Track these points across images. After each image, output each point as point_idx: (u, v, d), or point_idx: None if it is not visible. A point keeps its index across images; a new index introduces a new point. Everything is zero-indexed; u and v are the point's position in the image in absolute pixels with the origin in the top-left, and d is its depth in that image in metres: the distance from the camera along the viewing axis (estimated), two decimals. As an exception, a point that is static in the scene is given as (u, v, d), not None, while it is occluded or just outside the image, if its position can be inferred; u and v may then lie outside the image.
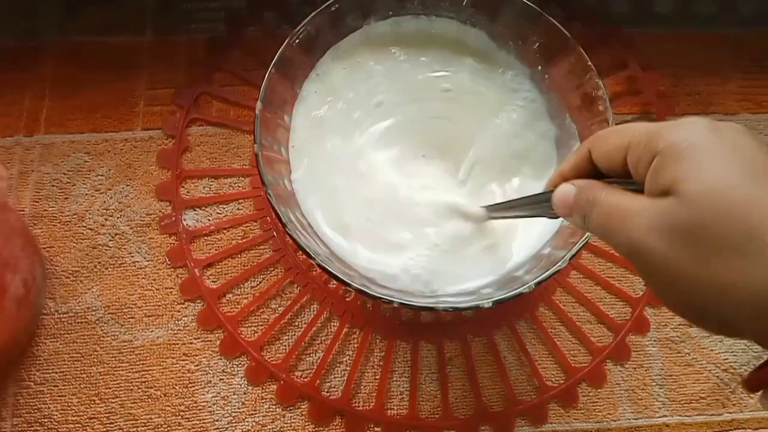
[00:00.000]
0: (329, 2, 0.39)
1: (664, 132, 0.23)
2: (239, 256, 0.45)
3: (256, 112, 0.36)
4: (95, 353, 0.42)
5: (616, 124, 0.37)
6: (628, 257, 0.24)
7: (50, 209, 0.45)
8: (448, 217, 0.39)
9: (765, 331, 0.22)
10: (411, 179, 0.40)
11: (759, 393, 0.23)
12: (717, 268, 0.21)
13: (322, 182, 0.39)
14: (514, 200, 0.35)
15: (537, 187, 0.39)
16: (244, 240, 0.45)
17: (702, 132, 0.23)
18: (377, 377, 0.43)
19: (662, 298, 0.24)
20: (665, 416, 0.43)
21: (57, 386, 0.41)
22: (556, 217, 0.29)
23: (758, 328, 0.22)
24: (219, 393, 0.42)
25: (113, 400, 0.41)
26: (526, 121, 0.41)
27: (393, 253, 0.38)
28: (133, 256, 0.44)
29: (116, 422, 0.41)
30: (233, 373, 0.42)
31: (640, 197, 0.23)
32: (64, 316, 0.43)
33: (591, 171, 0.27)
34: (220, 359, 0.42)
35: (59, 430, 0.41)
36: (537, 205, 0.31)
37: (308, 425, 0.41)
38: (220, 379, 0.42)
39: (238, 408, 0.42)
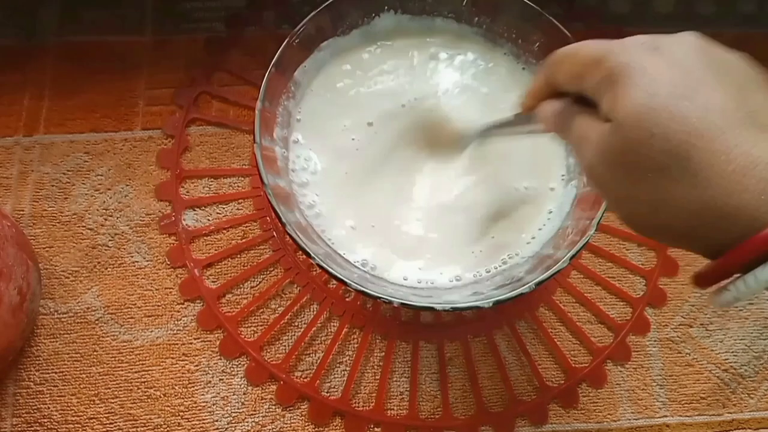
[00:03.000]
0: (329, 2, 0.39)
1: (606, 57, 0.23)
2: (239, 256, 0.45)
3: (256, 111, 0.36)
4: (95, 353, 0.42)
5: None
6: (587, 180, 0.25)
7: (50, 209, 0.45)
8: (449, 214, 0.39)
9: (699, 244, 0.23)
10: (413, 177, 0.40)
11: (713, 293, 0.23)
12: (647, 188, 0.22)
13: (322, 181, 0.39)
14: (501, 121, 0.35)
15: None
16: (243, 240, 0.45)
17: (639, 52, 0.23)
18: (377, 377, 0.43)
19: (615, 214, 0.25)
20: (666, 416, 0.43)
21: (56, 386, 0.41)
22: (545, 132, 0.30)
23: (690, 242, 0.23)
24: (219, 393, 0.42)
25: (113, 400, 0.41)
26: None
27: (395, 252, 0.38)
28: (132, 256, 0.44)
29: (116, 422, 0.41)
30: (233, 373, 0.42)
31: (595, 120, 0.24)
32: (64, 316, 0.43)
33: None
34: (220, 359, 0.42)
35: (59, 430, 0.41)
36: (526, 125, 0.32)
37: (308, 425, 0.41)
38: (220, 380, 0.42)
39: (238, 408, 0.42)
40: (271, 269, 0.45)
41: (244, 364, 0.42)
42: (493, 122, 0.37)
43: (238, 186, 0.47)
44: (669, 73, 0.22)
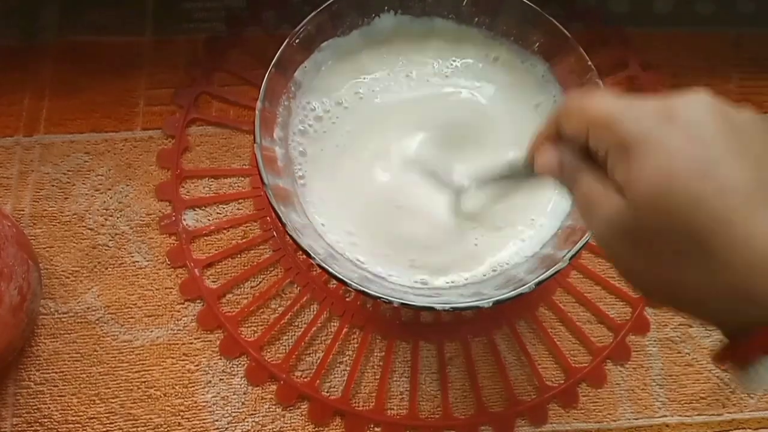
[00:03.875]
0: (329, 2, 0.39)
1: (618, 122, 0.22)
2: (239, 256, 0.45)
3: (256, 111, 0.36)
4: (95, 353, 0.42)
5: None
6: (595, 243, 0.25)
7: (50, 209, 0.45)
8: (450, 214, 0.39)
9: (716, 322, 0.23)
10: (411, 177, 0.40)
11: (738, 373, 0.23)
12: (663, 268, 0.22)
13: (322, 182, 0.39)
14: (504, 169, 0.34)
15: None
16: (244, 240, 0.45)
17: (654, 121, 0.22)
18: (377, 377, 0.43)
19: (624, 280, 0.25)
20: (665, 416, 0.43)
21: (57, 386, 0.41)
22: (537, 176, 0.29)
23: (706, 319, 0.23)
24: (219, 393, 0.42)
25: (113, 400, 0.41)
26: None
27: (395, 252, 0.38)
28: (132, 256, 0.44)
29: (116, 422, 0.41)
30: (233, 373, 0.42)
31: (606, 187, 0.24)
32: (64, 316, 0.43)
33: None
34: (220, 359, 0.42)
35: (59, 430, 0.41)
36: (522, 170, 0.31)
37: (308, 425, 0.41)
38: (220, 380, 0.42)
39: (238, 408, 0.42)
40: (271, 269, 0.45)
41: (244, 364, 0.42)
42: (496, 171, 0.35)
43: (238, 186, 0.47)
44: (687, 149, 0.21)
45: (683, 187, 0.20)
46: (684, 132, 0.21)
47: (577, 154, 0.26)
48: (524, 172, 0.30)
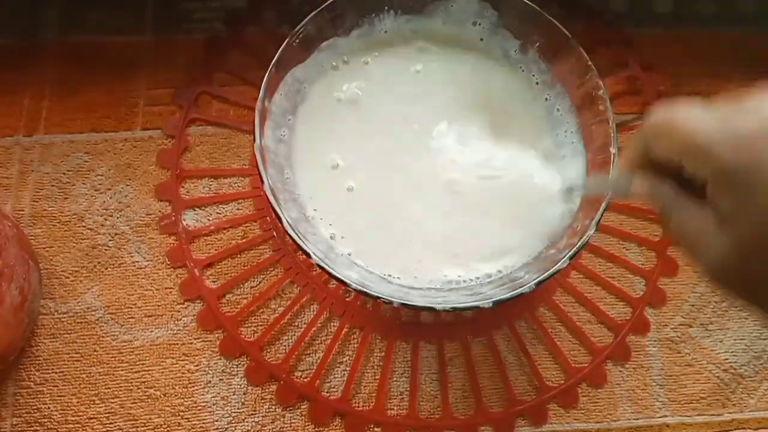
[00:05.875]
0: (329, 2, 0.39)
1: (716, 145, 0.20)
2: (239, 256, 0.45)
3: (256, 111, 0.36)
4: (95, 353, 0.42)
5: (617, 123, 0.37)
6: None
7: (50, 209, 0.45)
8: (451, 214, 0.39)
9: None
10: (418, 178, 0.40)
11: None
12: None
13: (323, 182, 0.39)
14: (603, 179, 0.35)
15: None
16: (243, 240, 0.45)
17: (755, 146, 0.20)
18: (377, 377, 0.43)
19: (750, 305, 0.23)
20: (665, 416, 0.43)
21: (57, 386, 0.41)
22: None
23: None
24: (219, 393, 0.42)
25: (113, 400, 0.41)
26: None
27: (396, 252, 0.38)
28: (132, 256, 0.44)
29: (116, 422, 0.41)
30: (233, 373, 0.42)
31: (708, 223, 0.22)
32: (64, 316, 0.43)
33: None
34: (220, 359, 0.42)
35: (59, 430, 0.41)
36: (627, 185, 0.28)
37: (308, 425, 0.41)
38: (220, 380, 0.42)
39: (238, 408, 0.42)
40: (271, 269, 0.45)
41: (244, 364, 0.42)
42: (595, 181, 0.36)
43: (238, 186, 0.47)
44: None
45: None
46: None
47: (672, 182, 0.24)
48: (622, 192, 0.29)
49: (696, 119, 0.22)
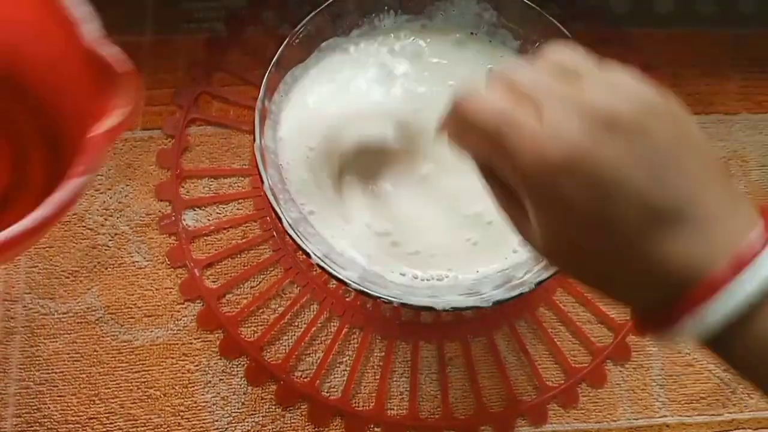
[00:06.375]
0: (329, 1, 0.39)
1: (519, 165, 0.22)
2: (239, 256, 0.45)
3: (256, 111, 0.36)
4: (95, 353, 0.42)
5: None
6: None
7: (50, 209, 0.45)
8: (450, 213, 0.39)
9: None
10: (410, 176, 0.40)
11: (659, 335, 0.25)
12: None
13: (323, 182, 0.39)
14: None
15: None
16: (243, 240, 0.45)
17: (556, 181, 0.22)
18: (377, 377, 0.43)
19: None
20: (665, 416, 0.43)
21: (57, 386, 0.41)
22: None
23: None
24: (219, 393, 0.42)
25: (113, 400, 0.41)
26: None
27: (395, 251, 0.38)
28: (132, 256, 0.44)
29: (116, 422, 0.41)
30: (233, 373, 0.42)
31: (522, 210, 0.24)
32: (64, 316, 0.43)
33: None
34: (220, 359, 0.42)
35: (59, 430, 0.41)
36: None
37: (308, 425, 0.41)
38: (220, 380, 0.42)
39: (238, 408, 0.42)
40: (271, 269, 0.45)
41: (244, 364, 0.42)
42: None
43: (238, 186, 0.47)
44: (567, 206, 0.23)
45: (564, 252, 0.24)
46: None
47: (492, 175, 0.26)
48: None
49: (517, 124, 0.23)
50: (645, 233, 0.22)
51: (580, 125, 0.21)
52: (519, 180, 0.23)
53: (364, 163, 0.40)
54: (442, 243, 0.39)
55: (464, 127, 0.25)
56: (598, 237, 0.22)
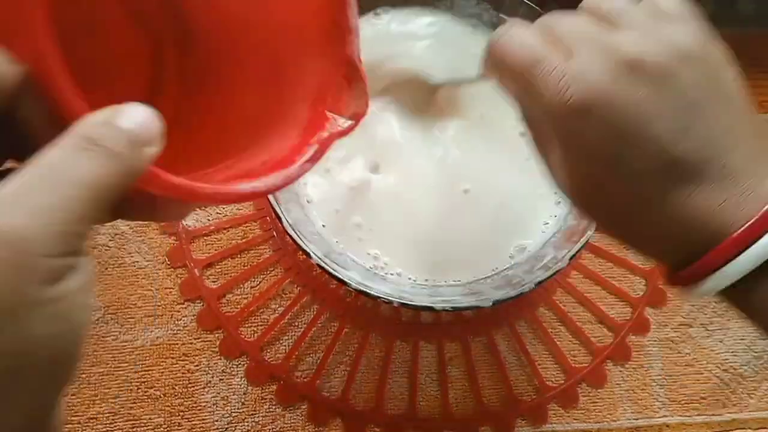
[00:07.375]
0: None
1: (550, 106, 0.22)
2: (239, 256, 0.45)
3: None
4: (95, 353, 0.42)
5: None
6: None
7: (50, 209, 0.45)
8: (449, 213, 0.39)
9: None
10: (412, 176, 0.40)
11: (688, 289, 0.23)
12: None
13: (321, 181, 0.39)
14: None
15: None
16: (243, 240, 0.45)
17: (581, 124, 0.22)
18: (377, 377, 0.43)
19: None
20: (665, 416, 0.43)
21: (57, 386, 0.41)
22: None
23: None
24: (219, 393, 0.42)
25: (113, 400, 0.41)
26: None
27: (395, 251, 0.38)
28: (132, 256, 0.44)
29: (116, 422, 0.41)
30: (233, 373, 0.42)
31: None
32: (64, 316, 0.43)
33: None
34: (220, 359, 0.42)
35: (59, 430, 0.40)
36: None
37: (308, 425, 0.41)
38: (220, 380, 0.42)
39: (238, 408, 0.42)
40: (271, 269, 0.45)
41: (244, 364, 0.42)
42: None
43: (238, 186, 0.47)
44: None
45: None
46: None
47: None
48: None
49: (548, 64, 0.23)
50: (663, 183, 0.21)
51: (604, 66, 0.21)
52: (547, 119, 0.23)
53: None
54: (444, 243, 0.39)
55: (499, 67, 0.25)
56: (618, 179, 0.22)
